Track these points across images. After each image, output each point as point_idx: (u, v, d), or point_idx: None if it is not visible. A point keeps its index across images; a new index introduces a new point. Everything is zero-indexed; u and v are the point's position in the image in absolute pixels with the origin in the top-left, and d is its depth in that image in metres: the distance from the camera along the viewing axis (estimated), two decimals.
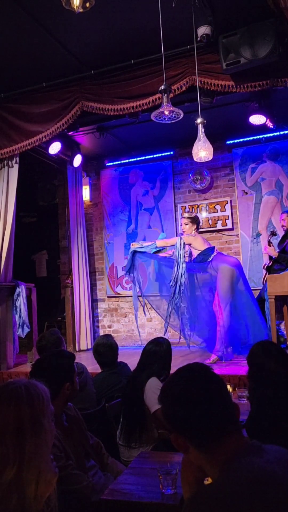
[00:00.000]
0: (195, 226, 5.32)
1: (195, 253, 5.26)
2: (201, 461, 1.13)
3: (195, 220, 5.35)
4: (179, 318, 5.15)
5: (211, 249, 5.18)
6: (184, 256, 5.10)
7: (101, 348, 3.43)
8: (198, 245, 5.20)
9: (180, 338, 5.17)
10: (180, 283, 4.93)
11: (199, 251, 5.18)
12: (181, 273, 4.94)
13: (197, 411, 1.12)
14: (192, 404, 1.13)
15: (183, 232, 5.33)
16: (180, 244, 5.08)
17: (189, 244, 5.24)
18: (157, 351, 3.00)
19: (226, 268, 5.05)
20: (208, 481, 1.19)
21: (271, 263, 5.42)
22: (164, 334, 4.94)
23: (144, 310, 5.59)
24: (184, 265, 4.98)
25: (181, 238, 5.16)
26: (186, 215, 5.43)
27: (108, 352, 3.42)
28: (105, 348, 3.42)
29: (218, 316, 5.04)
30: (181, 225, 5.35)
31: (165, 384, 1.24)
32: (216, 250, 5.20)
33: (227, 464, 1.05)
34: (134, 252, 5.35)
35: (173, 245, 5.17)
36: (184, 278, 4.93)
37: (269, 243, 5.48)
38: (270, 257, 5.46)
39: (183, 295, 5.00)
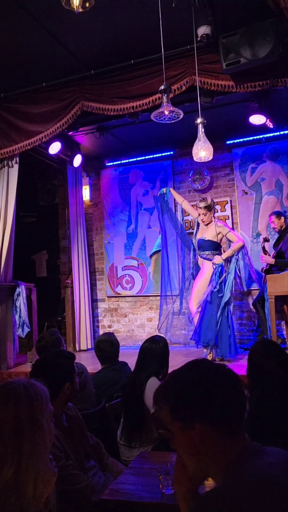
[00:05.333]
0: (213, 212, 5.22)
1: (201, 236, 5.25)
2: (205, 462, 1.09)
3: (211, 207, 5.18)
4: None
5: (219, 246, 5.20)
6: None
7: (102, 344, 3.47)
8: (209, 235, 5.17)
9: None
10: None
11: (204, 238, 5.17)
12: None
13: (217, 391, 1.10)
14: (211, 386, 1.10)
15: (203, 221, 5.19)
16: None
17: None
18: (154, 349, 3.00)
19: (210, 266, 5.05)
20: (208, 481, 1.18)
21: (268, 266, 5.44)
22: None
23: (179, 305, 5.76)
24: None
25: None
26: (201, 204, 5.16)
27: (109, 348, 3.45)
28: (106, 343, 3.46)
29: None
30: (199, 215, 5.21)
31: (175, 373, 1.19)
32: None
33: (232, 467, 1.05)
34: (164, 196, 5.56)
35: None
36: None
37: (264, 249, 5.51)
38: None
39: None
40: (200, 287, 5.04)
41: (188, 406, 1.09)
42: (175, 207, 5.92)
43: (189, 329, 6.30)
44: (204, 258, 5.12)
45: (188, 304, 5.33)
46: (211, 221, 5.17)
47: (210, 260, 5.07)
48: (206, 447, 1.08)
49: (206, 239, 5.12)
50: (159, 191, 5.71)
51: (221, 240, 5.18)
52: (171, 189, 5.66)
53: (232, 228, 5.25)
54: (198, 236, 5.23)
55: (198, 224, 5.33)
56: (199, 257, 5.23)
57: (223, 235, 5.13)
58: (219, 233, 5.10)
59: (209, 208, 5.15)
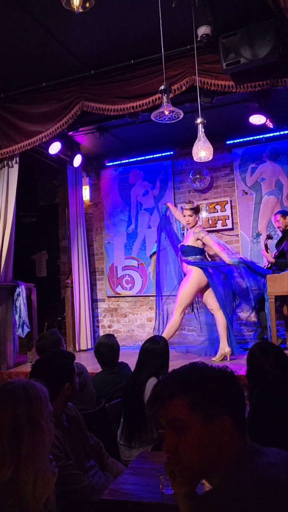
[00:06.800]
0: (197, 216, 5.28)
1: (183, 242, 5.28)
2: (211, 459, 1.08)
3: (197, 210, 5.29)
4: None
5: (201, 252, 5.19)
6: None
7: (101, 348, 3.45)
8: (189, 240, 5.20)
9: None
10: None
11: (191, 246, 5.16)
12: None
13: (232, 386, 1.14)
14: (226, 381, 1.14)
15: (188, 223, 5.21)
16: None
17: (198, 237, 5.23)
18: (154, 349, 3.00)
19: (198, 271, 5.02)
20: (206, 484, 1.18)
21: (269, 264, 5.43)
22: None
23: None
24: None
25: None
26: (187, 206, 5.22)
27: (108, 352, 3.43)
28: (106, 348, 3.44)
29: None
30: (184, 216, 5.25)
31: (185, 369, 1.18)
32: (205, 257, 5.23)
33: (232, 467, 1.05)
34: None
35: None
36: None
37: (266, 247, 5.48)
38: None
39: None
40: (186, 294, 5.02)
41: (212, 398, 1.11)
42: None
43: (188, 329, 6.31)
44: (188, 263, 5.09)
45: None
46: (195, 225, 5.19)
47: (195, 264, 5.05)
48: (221, 441, 1.08)
49: (186, 244, 5.15)
50: (161, 210, 6.06)
51: (204, 245, 5.16)
52: (169, 204, 5.99)
53: (208, 233, 5.30)
54: (182, 243, 5.27)
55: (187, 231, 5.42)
56: (183, 263, 5.21)
57: (200, 239, 5.11)
58: (197, 240, 5.11)
59: (195, 210, 5.21)
